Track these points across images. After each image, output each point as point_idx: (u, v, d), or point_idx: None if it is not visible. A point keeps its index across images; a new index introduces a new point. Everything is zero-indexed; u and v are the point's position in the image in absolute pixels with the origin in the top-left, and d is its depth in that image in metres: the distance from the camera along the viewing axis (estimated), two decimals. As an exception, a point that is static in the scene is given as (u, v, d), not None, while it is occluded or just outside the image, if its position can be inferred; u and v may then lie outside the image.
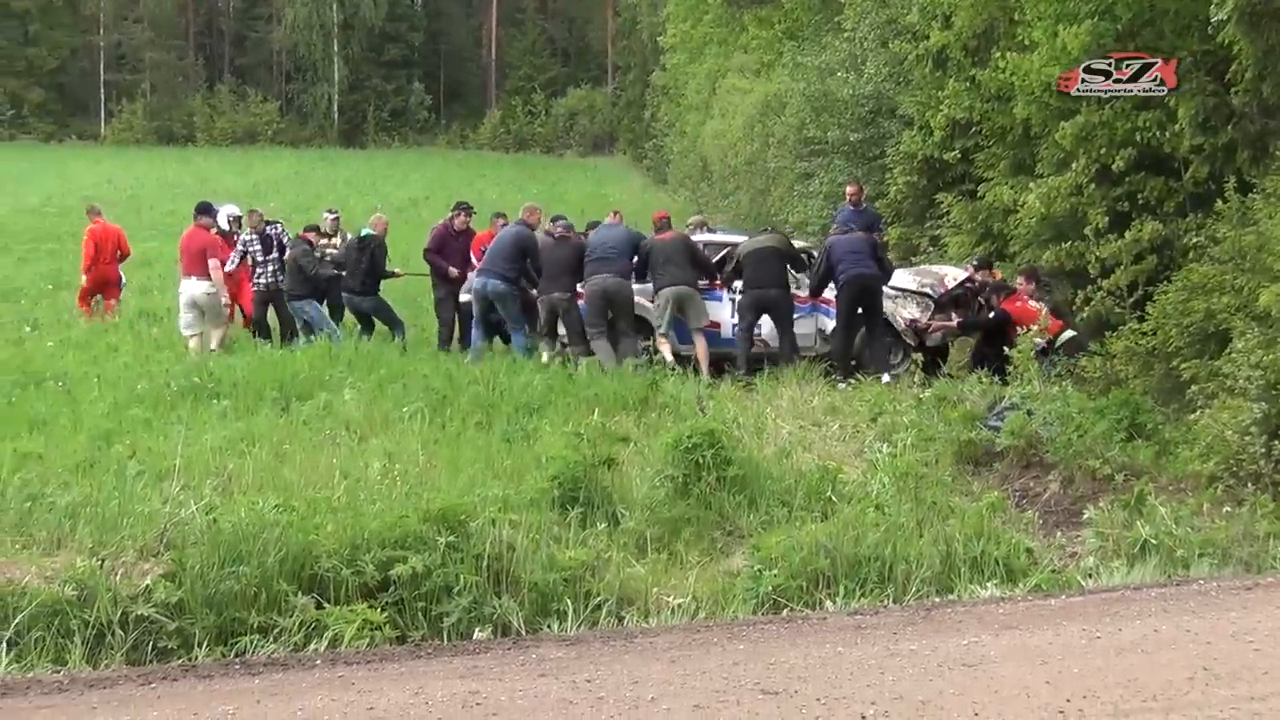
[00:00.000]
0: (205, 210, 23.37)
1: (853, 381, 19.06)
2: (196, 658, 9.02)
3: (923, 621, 9.06)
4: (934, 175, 25.95)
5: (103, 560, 9.80)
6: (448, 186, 64.06)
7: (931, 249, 26.19)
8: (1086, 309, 17.82)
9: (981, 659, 7.96)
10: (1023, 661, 7.94)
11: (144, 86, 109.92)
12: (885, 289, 20.88)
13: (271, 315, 23.95)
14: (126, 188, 61.12)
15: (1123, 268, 17.45)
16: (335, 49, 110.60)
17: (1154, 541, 11.23)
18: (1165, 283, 16.36)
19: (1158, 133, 17.34)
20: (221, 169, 76.34)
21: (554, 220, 22.77)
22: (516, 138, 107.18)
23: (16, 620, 9.01)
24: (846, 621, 9.17)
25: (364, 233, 23.83)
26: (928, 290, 21.09)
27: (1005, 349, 17.36)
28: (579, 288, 21.09)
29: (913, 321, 20.96)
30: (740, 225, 37.09)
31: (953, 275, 21.65)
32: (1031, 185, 19.36)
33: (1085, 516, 12.28)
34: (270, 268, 23.31)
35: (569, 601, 10.12)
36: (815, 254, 22.31)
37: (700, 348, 20.74)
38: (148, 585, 9.62)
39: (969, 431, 15.07)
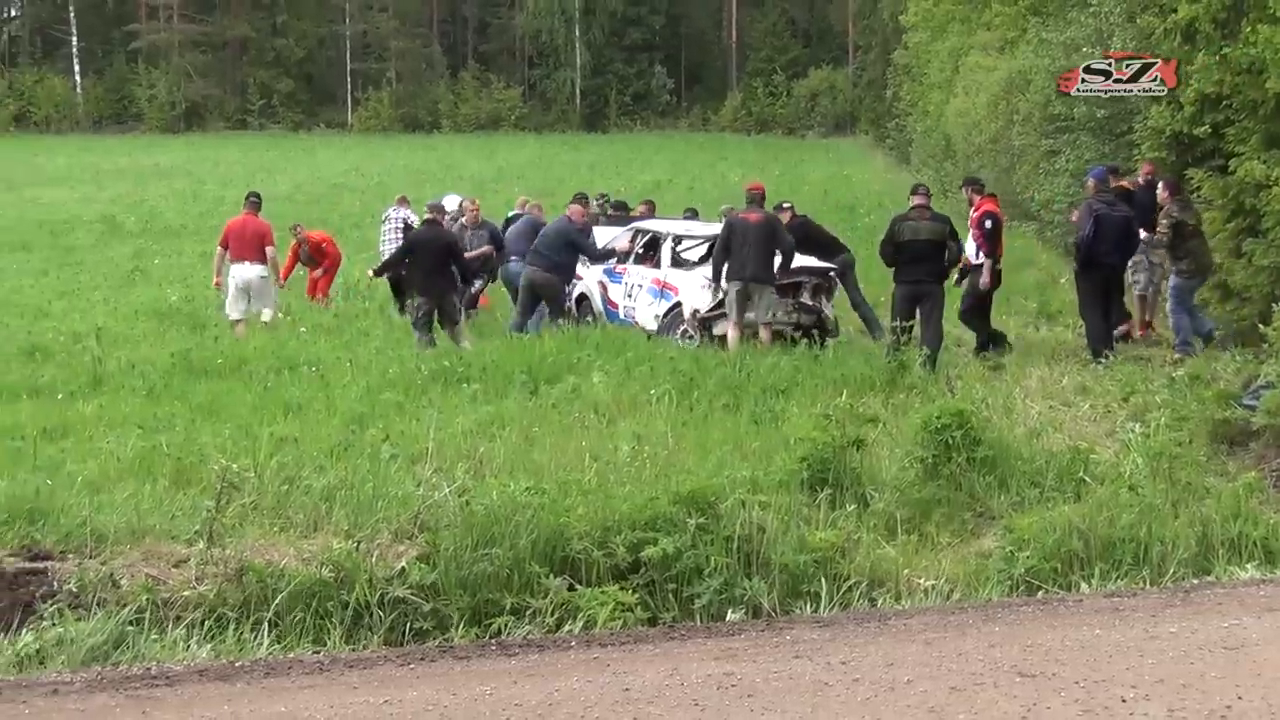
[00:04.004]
0: (256, 198, 24.41)
1: (1103, 361, 18.76)
2: (452, 639, 9.17)
3: (1181, 604, 8.94)
4: (1183, 151, 25.46)
5: (359, 542, 10.00)
6: (689, 170, 64.25)
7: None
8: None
9: (1243, 642, 7.83)
10: (1286, 645, 7.80)
11: (389, 75, 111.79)
12: (699, 276, 21.32)
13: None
14: (374, 175, 62.21)
15: (1380, 242, 17.06)
16: (577, 34, 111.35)
17: None
18: None
19: None
20: (466, 155, 77.22)
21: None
22: (758, 119, 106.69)
23: (276, 601, 9.23)
24: (1103, 604, 9.08)
25: (510, 214, 26.96)
26: None
27: None
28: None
29: (694, 311, 21.01)
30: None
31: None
32: (1285, 160, 18.97)
33: (1346, 497, 12.02)
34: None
35: (821, 582, 10.13)
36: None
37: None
38: (403, 567, 9.81)
39: (1224, 410, 14.75)
